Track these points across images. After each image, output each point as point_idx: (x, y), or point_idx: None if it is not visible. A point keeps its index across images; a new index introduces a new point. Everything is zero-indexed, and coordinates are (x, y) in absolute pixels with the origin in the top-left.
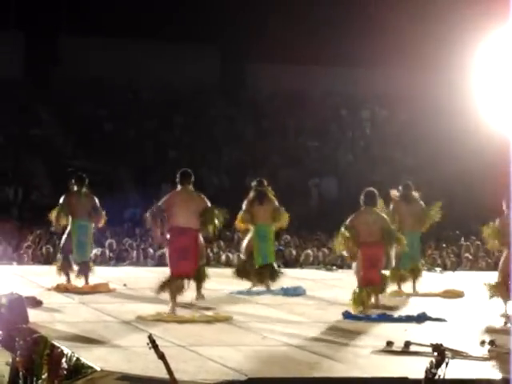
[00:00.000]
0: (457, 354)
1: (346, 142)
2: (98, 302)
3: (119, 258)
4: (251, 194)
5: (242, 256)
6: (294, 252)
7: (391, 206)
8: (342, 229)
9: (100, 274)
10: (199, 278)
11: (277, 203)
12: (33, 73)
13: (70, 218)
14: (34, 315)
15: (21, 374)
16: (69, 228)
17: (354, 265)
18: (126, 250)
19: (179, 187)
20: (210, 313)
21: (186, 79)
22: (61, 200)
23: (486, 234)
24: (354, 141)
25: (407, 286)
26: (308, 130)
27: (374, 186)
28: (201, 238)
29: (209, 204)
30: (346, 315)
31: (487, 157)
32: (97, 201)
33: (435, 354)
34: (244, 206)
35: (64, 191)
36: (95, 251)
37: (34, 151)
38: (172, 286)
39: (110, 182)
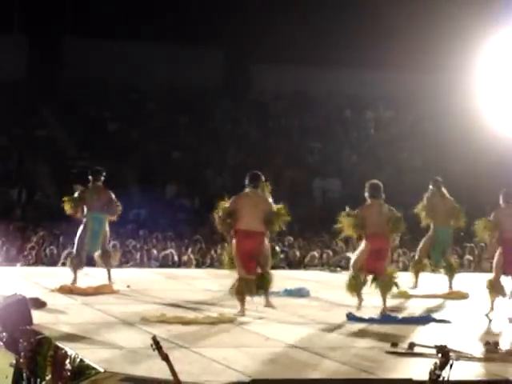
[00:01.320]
0: (461, 355)
1: (351, 142)
2: (102, 303)
3: (123, 260)
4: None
5: None
6: (297, 253)
7: (424, 202)
8: (349, 217)
9: (103, 276)
10: (266, 284)
11: (270, 199)
12: (37, 74)
13: (86, 211)
14: (37, 316)
15: (24, 375)
16: (84, 220)
17: (352, 256)
18: (129, 252)
19: (247, 189)
20: (213, 314)
21: (190, 80)
22: (76, 193)
23: (477, 228)
24: (358, 141)
25: (442, 285)
26: (312, 130)
27: None
28: (266, 242)
29: (274, 207)
30: (350, 317)
31: (492, 157)
32: (112, 195)
33: (439, 355)
34: None
35: (68, 192)
36: (98, 252)
37: (38, 152)
38: (241, 287)
39: (114, 182)
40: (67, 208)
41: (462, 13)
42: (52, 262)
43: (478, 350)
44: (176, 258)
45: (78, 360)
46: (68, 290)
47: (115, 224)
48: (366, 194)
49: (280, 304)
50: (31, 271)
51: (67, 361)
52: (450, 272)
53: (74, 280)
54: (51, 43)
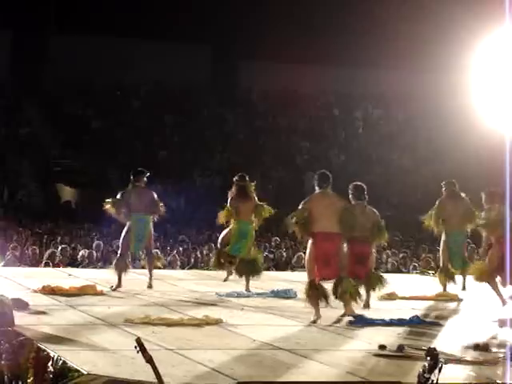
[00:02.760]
0: (450, 358)
1: (339, 142)
2: (85, 304)
3: (106, 260)
4: (233, 189)
5: (218, 245)
6: (284, 254)
7: (433, 209)
8: None
9: (87, 276)
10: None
11: (256, 199)
12: (21, 72)
13: (130, 213)
14: (19, 318)
15: (6, 377)
16: (128, 223)
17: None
18: (113, 252)
19: (317, 190)
20: (199, 316)
21: (177, 78)
22: (118, 195)
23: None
24: (346, 141)
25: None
26: (300, 129)
27: (368, 186)
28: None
29: (344, 204)
30: (355, 321)
31: (482, 157)
32: (154, 194)
33: (428, 358)
34: (228, 202)
35: (50, 191)
36: (82, 252)
37: (22, 151)
38: (313, 292)
39: (98, 182)
40: (109, 209)
41: (453, 13)
42: (34, 261)
43: (468, 353)
44: None
45: (61, 362)
46: (50, 291)
47: (99, 224)
48: (350, 196)
49: (266, 305)
50: (13, 271)
51: (49, 363)
52: (464, 273)
53: (119, 283)
54: (35, 40)
